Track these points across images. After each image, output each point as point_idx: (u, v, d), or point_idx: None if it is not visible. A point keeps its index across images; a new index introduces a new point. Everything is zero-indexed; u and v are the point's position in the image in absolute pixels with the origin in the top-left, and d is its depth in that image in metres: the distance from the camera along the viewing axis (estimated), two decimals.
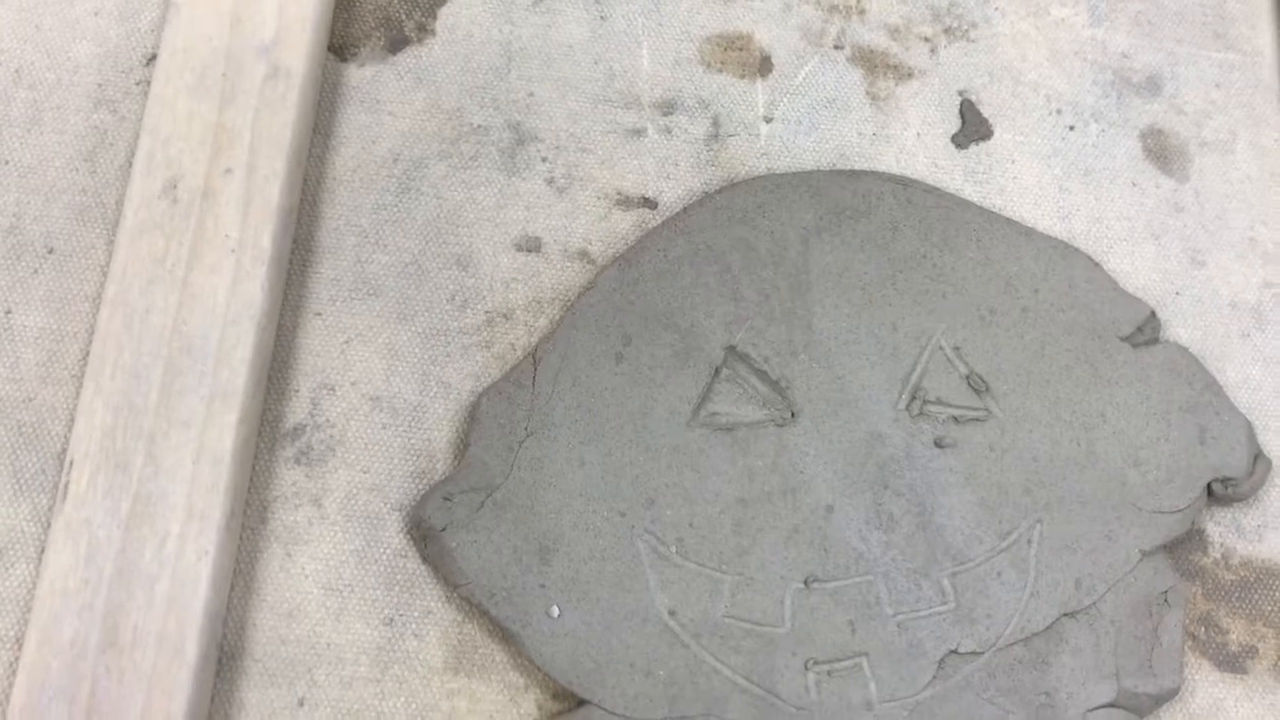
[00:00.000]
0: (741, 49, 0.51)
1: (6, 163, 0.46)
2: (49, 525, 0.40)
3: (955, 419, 0.45)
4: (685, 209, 0.47)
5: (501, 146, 0.48)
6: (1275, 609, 0.45)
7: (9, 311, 0.44)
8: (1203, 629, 0.44)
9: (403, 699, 0.41)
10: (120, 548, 0.40)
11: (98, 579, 0.39)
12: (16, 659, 0.39)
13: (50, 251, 0.45)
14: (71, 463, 0.40)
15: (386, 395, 0.44)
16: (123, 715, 0.38)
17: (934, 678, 0.41)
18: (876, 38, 0.52)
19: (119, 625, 0.39)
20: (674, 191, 0.49)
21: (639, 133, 0.49)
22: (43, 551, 0.40)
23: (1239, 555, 0.45)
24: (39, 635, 0.39)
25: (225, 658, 0.41)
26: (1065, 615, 0.43)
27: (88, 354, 0.42)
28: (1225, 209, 0.50)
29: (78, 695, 0.38)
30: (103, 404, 0.41)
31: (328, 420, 0.44)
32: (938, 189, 0.49)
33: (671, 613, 0.41)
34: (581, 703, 0.41)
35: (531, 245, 0.47)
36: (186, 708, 0.38)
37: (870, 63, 0.52)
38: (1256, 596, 0.45)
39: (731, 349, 0.45)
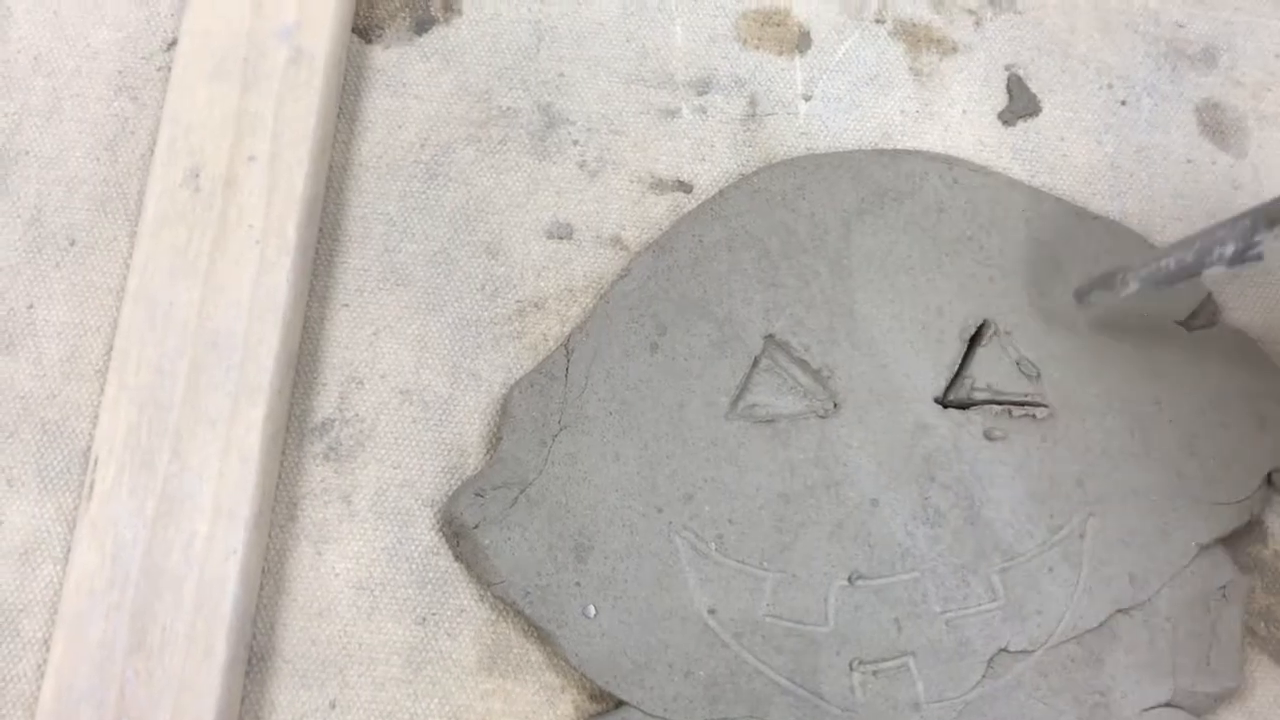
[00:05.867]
0: (779, 24, 0.49)
1: (27, 153, 0.45)
2: (75, 525, 0.40)
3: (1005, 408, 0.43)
4: (721, 192, 0.46)
5: (531, 129, 0.47)
6: None
7: (32, 306, 0.43)
8: (1263, 624, 0.43)
9: (436, 700, 0.40)
10: (147, 547, 0.39)
11: (124, 579, 0.38)
12: (45, 661, 0.38)
13: (72, 244, 0.44)
14: (96, 461, 0.40)
15: (416, 388, 0.43)
16: (152, 718, 0.37)
17: (983, 677, 0.40)
18: (919, 10, 0.50)
19: (147, 626, 0.38)
20: (710, 174, 0.47)
21: (673, 113, 0.48)
22: (69, 552, 0.39)
23: None
24: (67, 637, 0.38)
25: (255, 658, 0.40)
26: (1119, 611, 0.41)
27: (111, 349, 0.41)
28: None
29: (106, 698, 0.37)
30: (127, 400, 0.40)
31: (357, 415, 0.43)
32: (984, 168, 0.47)
33: (711, 611, 0.40)
34: (620, 704, 0.40)
35: (563, 232, 0.46)
36: (216, 710, 0.37)
37: (913, 37, 0.50)
38: None
39: (771, 337, 0.43)
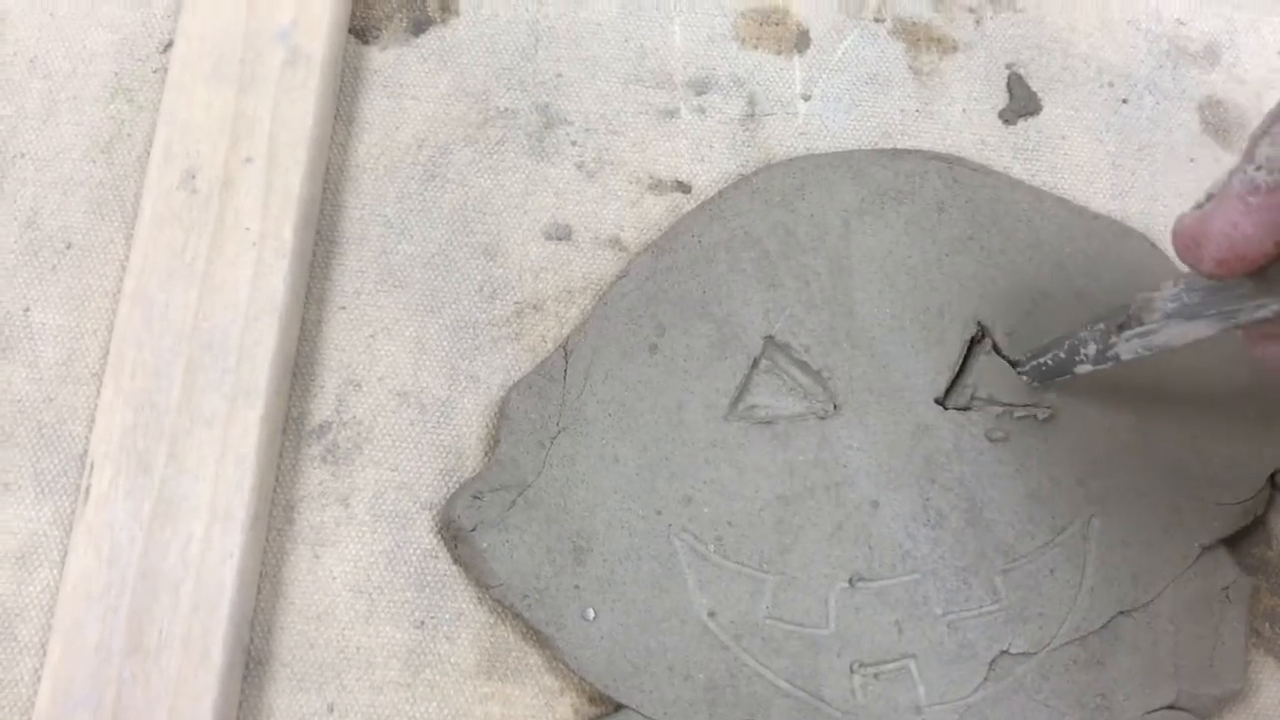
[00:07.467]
0: (778, 24, 0.49)
1: (23, 155, 0.45)
2: (71, 529, 0.39)
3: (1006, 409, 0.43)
4: (720, 192, 0.46)
5: (529, 130, 0.47)
6: None
7: (28, 309, 0.43)
8: (1267, 625, 0.42)
9: (435, 704, 0.40)
10: (143, 550, 0.39)
11: (121, 583, 0.38)
12: (41, 665, 0.38)
13: (68, 247, 0.44)
14: (93, 464, 0.39)
15: (414, 390, 0.43)
16: None
17: (985, 679, 0.40)
18: (919, 9, 0.50)
19: (143, 630, 0.38)
20: (709, 174, 0.47)
21: (672, 113, 0.47)
22: (66, 555, 0.39)
23: None
24: (63, 641, 0.38)
25: (252, 662, 0.40)
26: (1122, 613, 0.41)
27: (108, 352, 0.41)
28: None
29: (103, 701, 0.37)
30: (123, 403, 0.40)
31: (354, 417, 0.43)
32: (985, 167, 0.47)
33: (711, 614, 0.40)
34: (619, 707, 0.39)
35: (561, 233, 0.45)
36: (213, 713, 0.37)
37: (913, 35, 0.49)
38: None
39: (770, 338, 0.43)
